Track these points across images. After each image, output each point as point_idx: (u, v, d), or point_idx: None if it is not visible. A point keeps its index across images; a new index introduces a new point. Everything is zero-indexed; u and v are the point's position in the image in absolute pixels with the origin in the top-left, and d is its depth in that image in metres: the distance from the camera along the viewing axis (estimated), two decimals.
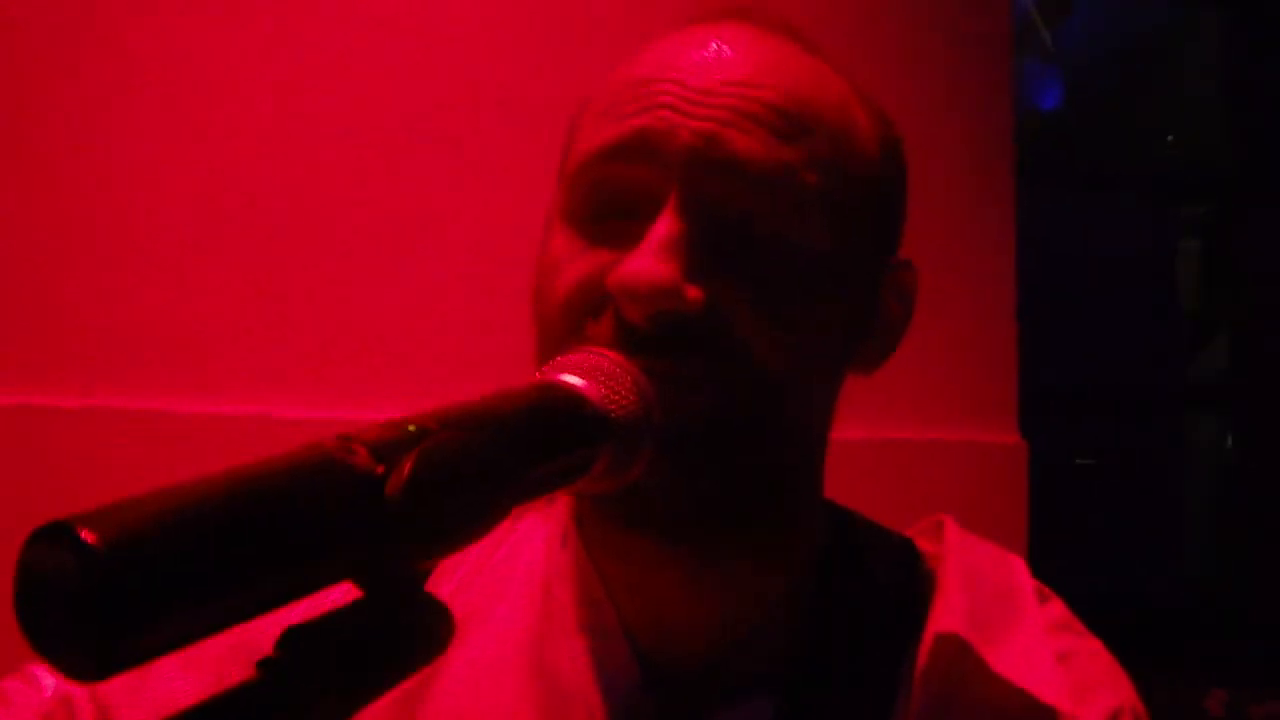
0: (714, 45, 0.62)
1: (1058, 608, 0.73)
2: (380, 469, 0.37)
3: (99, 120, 1.38)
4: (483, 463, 0.41)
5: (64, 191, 1.37)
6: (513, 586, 0.69)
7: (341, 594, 0.38)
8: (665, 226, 0.57)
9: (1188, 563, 2.48)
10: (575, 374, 0.52)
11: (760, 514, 0.63)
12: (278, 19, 1.42)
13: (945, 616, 0.65)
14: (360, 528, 0.37)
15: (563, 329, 0.60)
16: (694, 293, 0.57)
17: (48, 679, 0.73)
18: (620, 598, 0.66)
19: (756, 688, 0.64)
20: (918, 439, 1.57)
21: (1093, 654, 0.71)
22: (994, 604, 0.68)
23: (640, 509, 0.58)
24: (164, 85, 1.40)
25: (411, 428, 0.40)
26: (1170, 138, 2.90)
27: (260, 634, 0.71)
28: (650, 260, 0.56)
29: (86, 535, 0.30)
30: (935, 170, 1.62)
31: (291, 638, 0.36)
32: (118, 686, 0.71)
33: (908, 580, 0.70)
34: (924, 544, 0.74)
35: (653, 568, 0.64)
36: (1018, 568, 0.73)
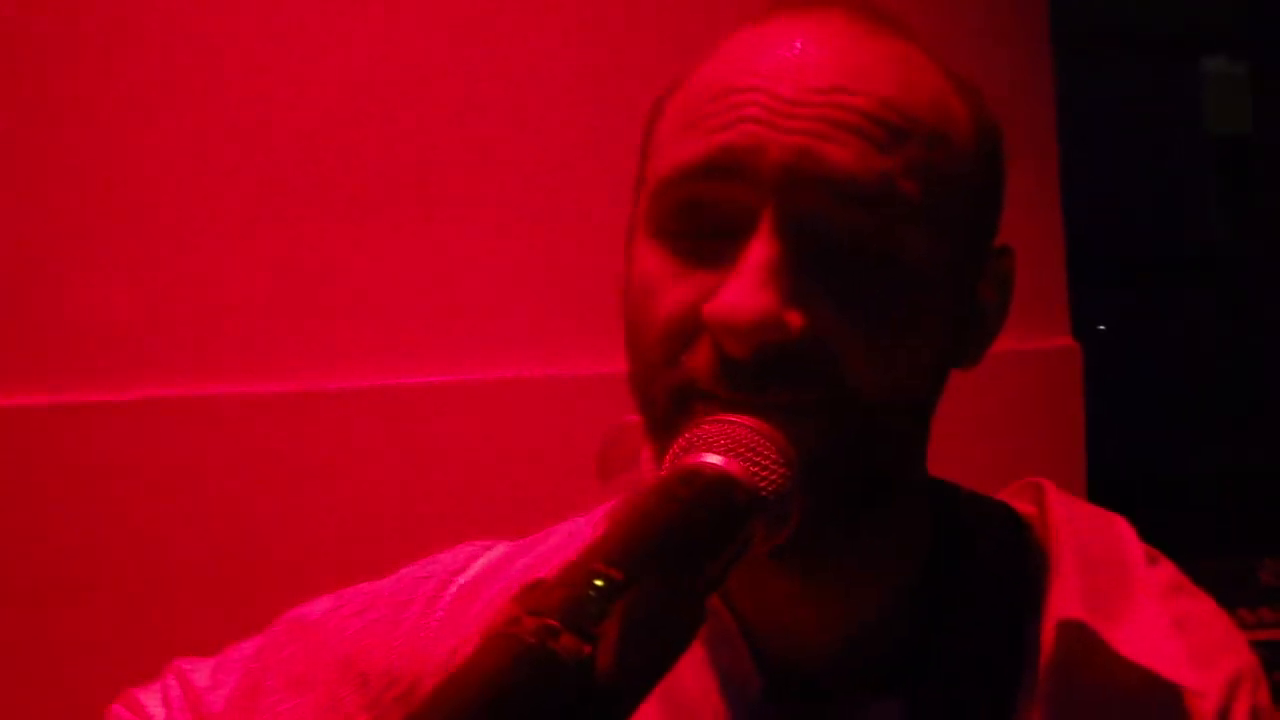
0: (799, 44, 0.59)
1: (1168, 569, 0.73)
2: (588, 649, 0.37)
3: (124, 114, 1.39)
4: (676, 607, 0.40)
5: (76, 184, 1.37)
6: None
7: None
8: (761, 250, 0.56)
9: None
10: (718, 453, 0.51)
11: (872, 520, 0.63)
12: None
13: (1063, 601, 0.66)
14: (582, 710, 0.36)
15: (660, 359, 0.59)
16: (795, 319, 0.56)
17: (156, 707, 0.74)
18: (738, 605, 0.66)
19: (882, 689, 0.65)
20: None
21: (1208, 617, 0.71)
22: (1107, 578, 0.69)
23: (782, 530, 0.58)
24: (181, 69, 1.39)
25: (598, 582, 0.39)
26: None
27: (369, 652, 0.71)
28: (749, 291, 0.55)
29: None
30: (974, 69, 1.60)
31: None
32: (227, 710, 0.73)
33: (1017, 558, 0.70)
34: (1023, 506, 0.75)
35: (769, 574, 0.64)
36: (1125, 532, 0.73)
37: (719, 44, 0.64)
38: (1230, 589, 1.81)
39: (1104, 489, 2.19)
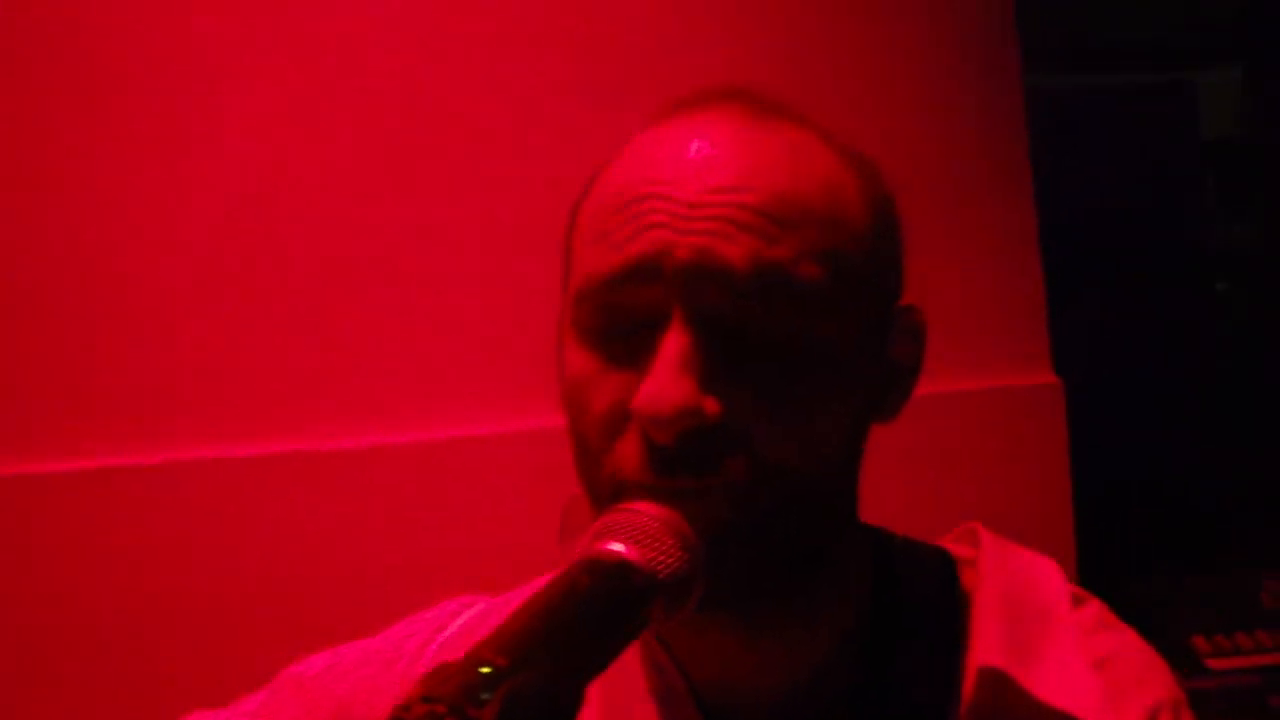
0: (695, 146, 0.66)
1: (1093, 609, 0.78)
2: None
3: (126, 176, 1.50)
4: (552, 690, 0.47)
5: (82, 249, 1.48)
6: None
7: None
8: (674, 344, 0.62)
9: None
10: (619, 540, 0.58)
11: (801, 580, 0.69)
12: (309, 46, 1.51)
13: (983, 649, 0.72)
14: None
15: (595, 451, 0.66)
16: (712, 405, 0.62)
17: None
18: (683, 662, 0.72)
19: None
20: (952, 390, 1.62)
21: (1128, 652, 0.76)
22: (1029, 621, 0.74)
23: (698, 598, 0.63)
24: (182, 144, 1.52)
25: (484, 670, 0.46)
26: None
27: (358, 707, 0.78)
28: (668, 383, 0.61)
29: None
30: (946, 113, 1.66)
31: None
32: None
33: (950, 603, 0.76)
34: (960, 551, 0.80)
35: (709, 634, 0.71)
36: (1051, 575, 0.78)
37: (624, 148, 0.70)
38: (1230, 611, 1.85)
39: (1103, 512, 2.24)
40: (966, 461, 1.61)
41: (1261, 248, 2.87)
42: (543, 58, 1.59)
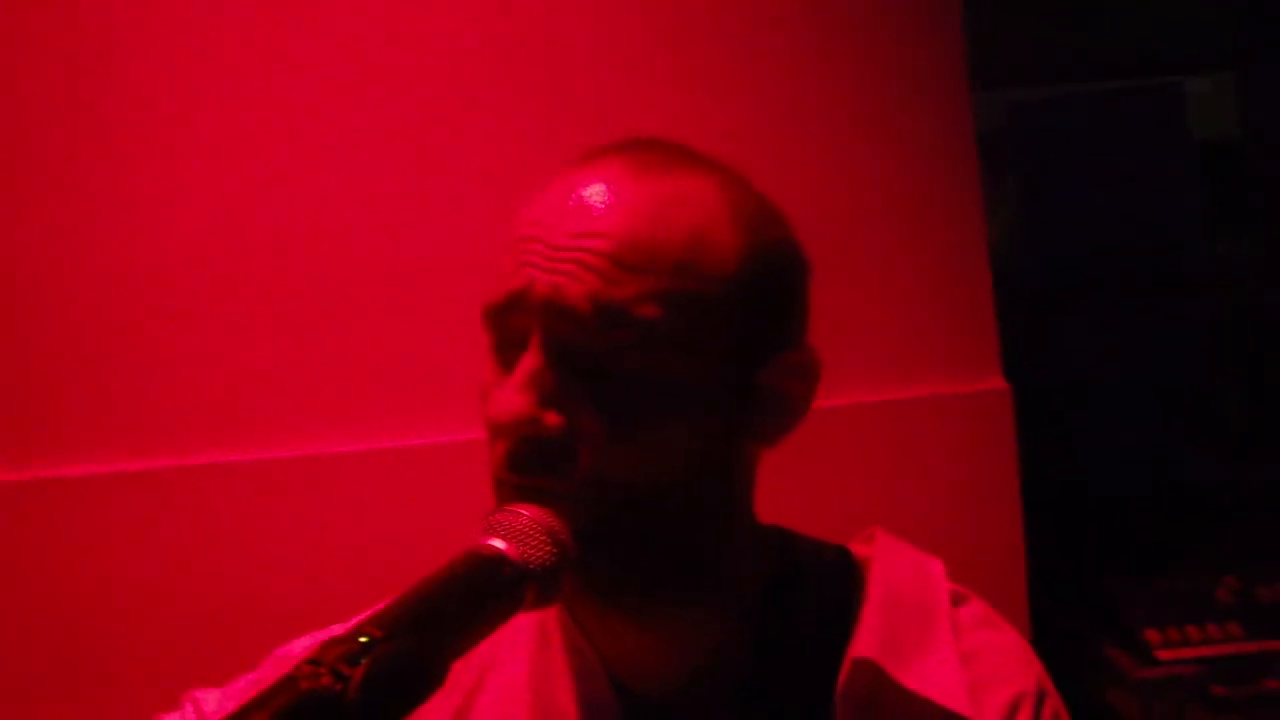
0: (573, 194, 0.77)
1: (973, 608, 0.88)
2: (339, 686, 0.57)
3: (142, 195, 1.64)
4: (417, 658, 0.60)
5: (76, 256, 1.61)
6: (518, 636, 0.87)
7: None
8: (525, 364, 0.75)
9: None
10: (498, 536, 0.71)
11: (668, 575, 0.80)
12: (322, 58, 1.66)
13: (861, 641, 0.82)
14: None
15: (488, 448, 0.79)
16: (551, 419, 0.74)
17: None
18: (598, 644, 0.84)
19: (718, 710, 0.82)
20: (901, 398, 1.73)
21: (997, 648, 0.86)
22: (908, 619, 0.85)
23: (576, 586, 0.76)
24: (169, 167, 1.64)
25: (363, 638, 0.60)
26: None
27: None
28: (509, 395, 0.75)
29: None
30: (892, 117, 1.76)
31: None
32: None
33: (841, 599, 0.86)
34: (860, 549, 0.90)
35: (610, 619, 0.83)
36: (935, 574, 0.89)
37: (534, 192, 0.81)
38: (1186, 607, 1.95)
39: (1081, 515, 2.34)
40: (917, 467, 1.72)
41: (1250, 254, 2.97)
42: (540, 68, 1.71)
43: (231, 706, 0.92)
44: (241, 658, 0.98)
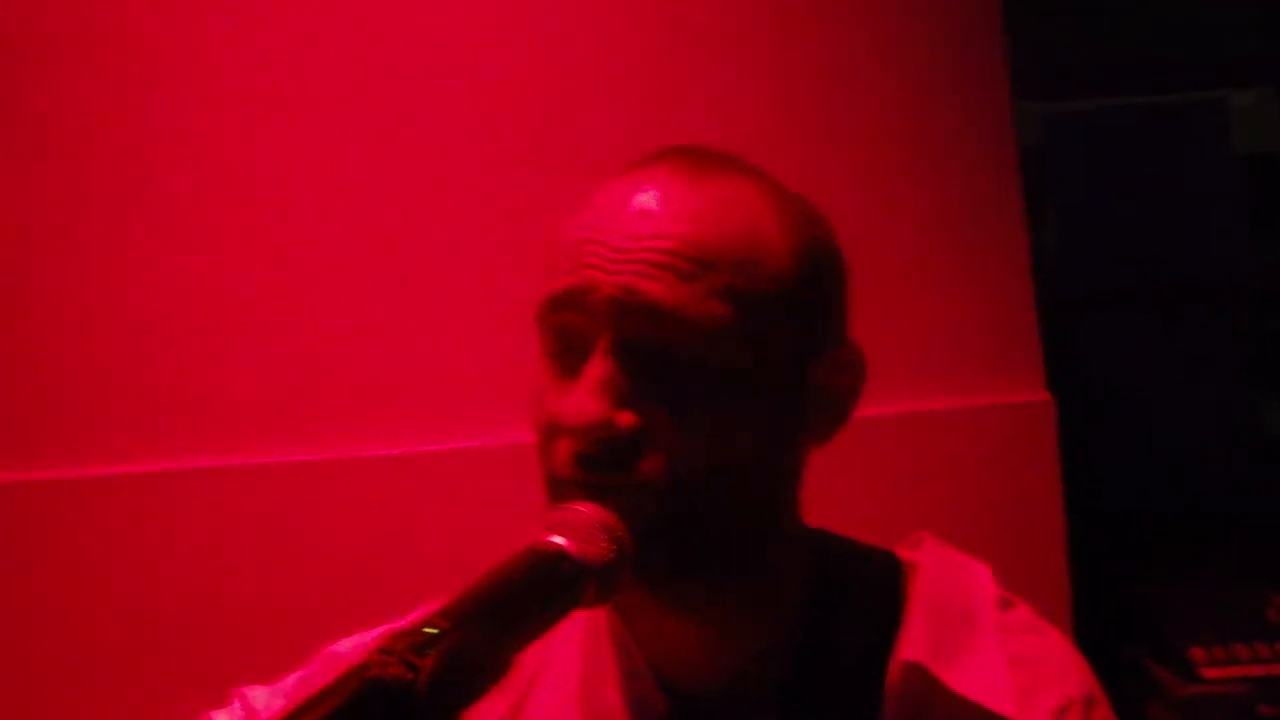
0: (630, 199, 0.81)
1: (1021, 612, 0.90)
2: (410, 675, 0.58)
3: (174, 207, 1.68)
4: (483, 650, 0.62)
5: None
6: (569, 634, 0.90)
7: None
8: (595, 367, 0.77)
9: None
10: (559, 533, 0.72)
11: (723, 572, 0.82)
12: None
13: (909, 644, 0.84)
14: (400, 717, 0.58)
15: (542, 450, 0.81)
16: (625, 419, 0.77)
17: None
18: (644, 643, 0.86)
19: (762, 710, 0.84)
20: (941, 408, 1.74)
21: (1046, 652, 0.87)
22: (955, 622, 0.86)
23: (631, 583, 0.78)
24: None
25: (430, 630, 0.61)
26: None
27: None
28: (583, 399, 0.77)
29: None
30: (934, 129, 1.78)
31: None
32: None
33: (886, 602, 0.88)
34: (907, 554, 0.92)
35: (660, 618, 0.85)
36: (982, 579, 0.91)
37: (586, 197, 0.84)
38: (1234, 625, 1.94)
39: (1120, 528, 2.33)
40: (957, 479, 1.72)
41: None
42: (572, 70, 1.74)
43: (280, 703, 0.95)
44: (284, 656, 1.01)
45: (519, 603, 0.67)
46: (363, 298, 1.71)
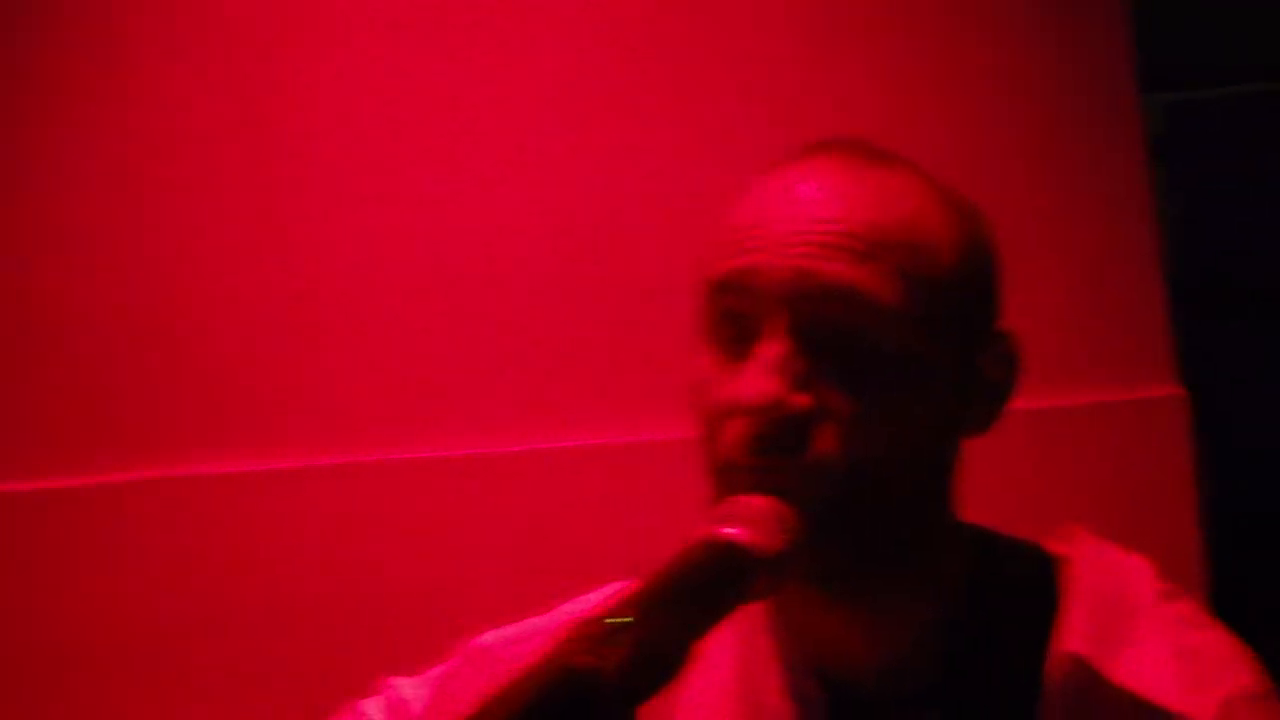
0: (798, 188, 0.81)
1: (1183, 605, 0.88)
2: (598, 664, 0.59)
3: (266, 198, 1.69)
4: (667, 641, 0.63)
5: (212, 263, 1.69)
6: (723, 625, 0.91)
7: None
8: (769, 348, 0.77)
9: None
10: (732, 523, 0.73)
11: (889, 562, 0.82)
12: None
13: (1069, 636, 0.83)
14: (590, 705, 0.58)
15: (709, 433, 0.81)
16: (800, 400, 0.77)
17: (375, 712, 0.98)
18: (801, 634, 0.87)
19: (921, 701, 0.84)
20: (1069, 404, 1.70)
21: (1212, 645, 0.86)
22: (1117, 614, 0.85)
23: (798, 573, 0.78)
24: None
25: (617, 621, 0.62)
26: None
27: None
28: (759, 378, 0.76)
29: None
30: (1060, 126, 1.75)
31: None
32: (423, 715, 0.96)
33: (1043, 595, 0.87)
34: (1058, 547, 0.92)
35: (822, 610, 0.85)
36: (1143, 571, 0.90)
37: (745, 188, 0.85)
38: None
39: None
40: (1086, 477, 1.69)
41: None
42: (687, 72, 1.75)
43: (427, 693, 0.96)
44: (419, 649, 1.02)
45: (698, 594, 0.67)
46: (496, 293, 1.73)
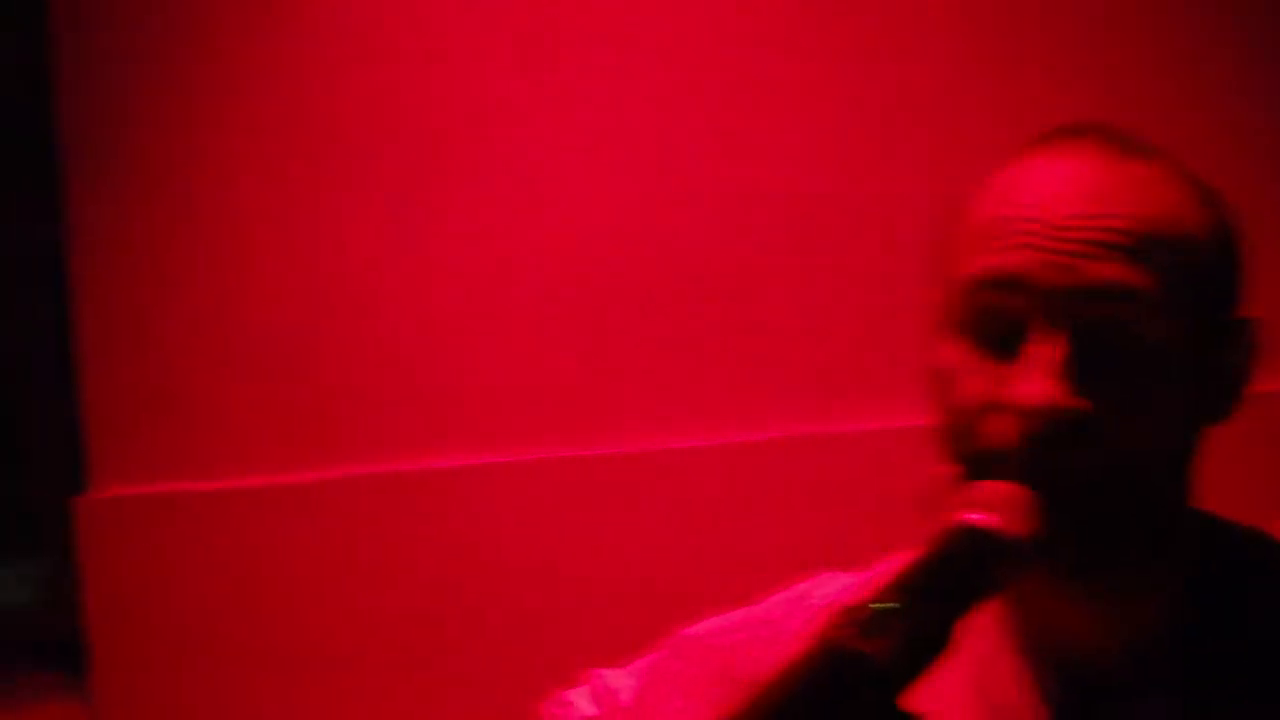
0: (1059, 178, 0.80)
1: None
2: (868, 648, 0.60)
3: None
4: (932, 626, 0.63)
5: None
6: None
7: None
8: (1044, 350, 0.76)
9: None
10: (985, 509, 0.72)
11: (1138, 553, 0.81)
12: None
13: None
14: (862, 686, 0.59)
15: (966, 427, 0.80)
16: (1080, 403, 0.76)
17: (583, 701, 0.99)
18: (1045, 626, 0.86)
19: (1163, 690, 0.83)
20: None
21: None
22: None
23: (1045, 564, 0.77)
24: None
25: (884, 606, 0.62)
26: None
27: (741, 663, 0.95)
28: (1038, 380, 0.76)
29: None
30: None
31: None
32: (633, 704, 0.98)
33: (1273, 579, 0.87)
34: None
35: (1068, 601, 0.84)
36: None
37: (996, 176, 0.84)
38: None
39: None
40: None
41: None
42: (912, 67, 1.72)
43: (634, 683, 0.98)
44: (616, 642, 1.03)
45: (956, 580, 0.67)
46: (679, 289, 1.73)
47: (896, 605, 0.62)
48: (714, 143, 1.73)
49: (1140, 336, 0.77)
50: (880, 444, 1.65)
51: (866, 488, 1.63)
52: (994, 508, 0.72)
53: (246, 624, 1.74)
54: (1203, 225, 0.82)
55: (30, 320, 1.98)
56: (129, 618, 1.76)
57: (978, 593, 0.68)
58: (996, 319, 0.80)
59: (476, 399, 1.74)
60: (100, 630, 1.76)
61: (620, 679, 0.99)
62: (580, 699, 1.00)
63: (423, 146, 1.75)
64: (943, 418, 0.82)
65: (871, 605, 0.62)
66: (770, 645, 0.94)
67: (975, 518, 0.71)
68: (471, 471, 1.73)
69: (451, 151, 1.75)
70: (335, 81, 1.76)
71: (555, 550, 1.71)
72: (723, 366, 1.73)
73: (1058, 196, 0.79)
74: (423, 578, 1.72)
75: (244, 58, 1.76)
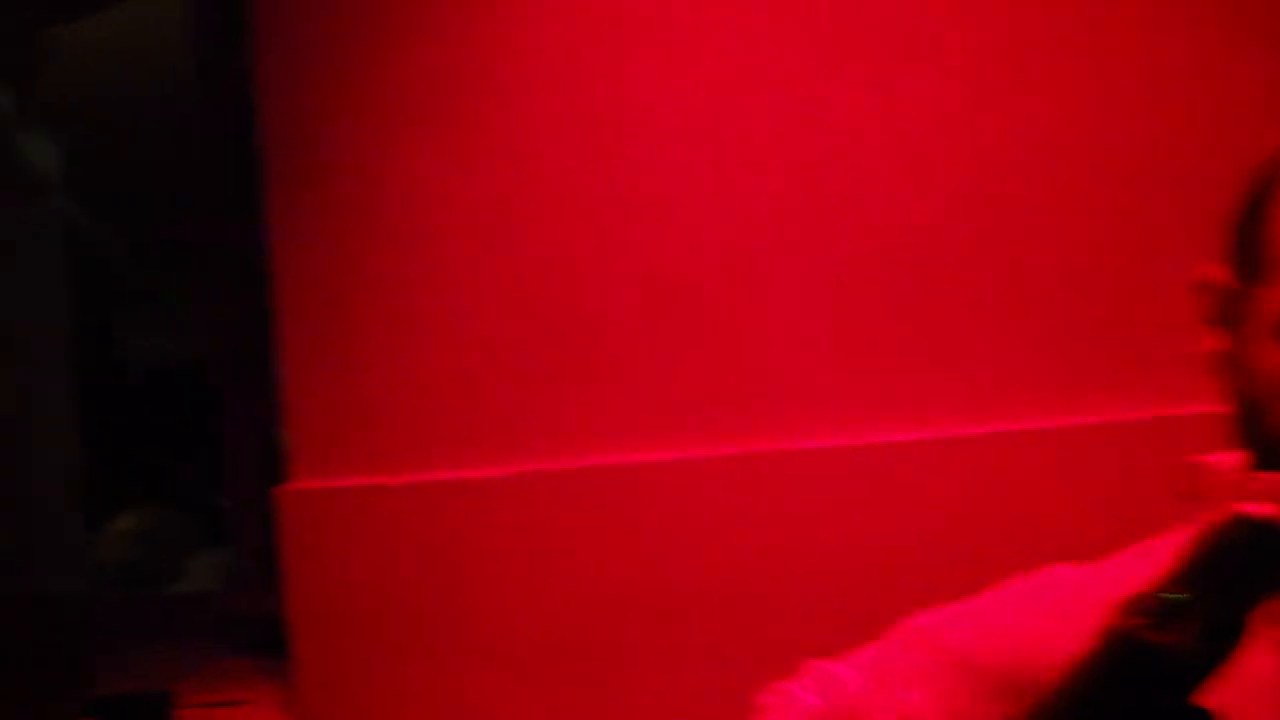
0: None
1: None
2: (1164, 640, 0.58)
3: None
4: (1228, 617, 0.60)
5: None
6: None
7: None
8: None
9: None
10: (1265, 501, 0.68)
11: None
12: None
13: None
14: (1162, 680, 0.56)
15: (1258, 414, 0.79)
16: None
17: (806, 691, 0.97)
18: None
19: None
20: None
21: None
22: None
23: None
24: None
25: (1174, 597, 0.60)
26: None
27: (981, 654, 0.92)
28: None
29: None
30: None
31: None
32: (859, 692, 0.96)
33: None
34: None
35: None
36: None
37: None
38: None
39: None
40: None
41: None
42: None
43: (860, 675, 0.95)
44: (830, 635, 1.00)
45: (1240, 571, 0.64)
46: (879, 285, 1.72)
47: (1188, 597, 0.60)
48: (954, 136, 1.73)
49: None
50: (1102, 438, 1.64)
51: (1097, 482, 1.62)
52: (1273, 500, 0.68)
53: (442, 615, 1.78)
54: None
55: (234, 318, 2.06)
56: (327, 606, 1.82)
57: (1267, 585, 0.65)
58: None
59: (680, 392, 1.76)
60: (299, 617, 1.82)
61: (843, 669, 0.98)
62: (802, 689, 0.98)
63: (621, 136, 1.77)
64: (1234, 405, 0.81)
65: (1164, 596, 0.60)
66: (991, 638, 0.94)
67: (1256, 508, 0.68)
68: (678, 465, 1.74)
69: (654, 145, 1.77)
70: (533, 78, 1.79)
71: (762, 545, 1.71)
72: (945, 362, 1.71)
73: None
74: (620, 573, 1.74)
75: (442, 59, 1.80)
